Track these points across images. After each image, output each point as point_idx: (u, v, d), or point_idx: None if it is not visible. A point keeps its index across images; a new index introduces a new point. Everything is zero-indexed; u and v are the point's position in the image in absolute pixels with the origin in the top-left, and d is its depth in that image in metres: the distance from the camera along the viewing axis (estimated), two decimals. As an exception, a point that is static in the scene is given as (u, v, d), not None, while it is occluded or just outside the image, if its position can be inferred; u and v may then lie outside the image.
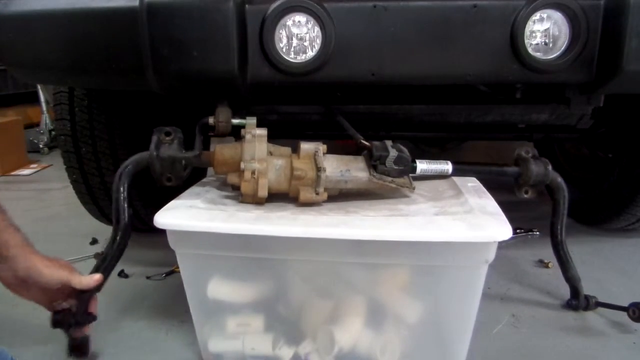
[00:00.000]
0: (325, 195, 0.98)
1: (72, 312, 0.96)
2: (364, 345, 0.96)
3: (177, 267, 1.37)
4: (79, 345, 1.00)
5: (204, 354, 1.03)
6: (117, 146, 1.48)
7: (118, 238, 1.02)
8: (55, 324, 0.96)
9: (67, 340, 0.99)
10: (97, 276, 0.97)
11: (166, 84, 1.00)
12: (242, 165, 0.95)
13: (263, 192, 0.95)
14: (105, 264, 1.02)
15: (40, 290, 0.93)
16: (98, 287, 0.98)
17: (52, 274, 0.91)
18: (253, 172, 0.94)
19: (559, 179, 1.10)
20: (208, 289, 0.96)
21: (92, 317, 0.99)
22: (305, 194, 0.97)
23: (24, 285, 0.91)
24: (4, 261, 0.87)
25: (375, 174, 1.00)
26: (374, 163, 1.01)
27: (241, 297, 0.97)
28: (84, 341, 1.00)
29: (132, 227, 1.03)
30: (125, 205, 1.01)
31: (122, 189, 1.00)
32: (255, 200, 0.97)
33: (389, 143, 1.05)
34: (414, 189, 1.04)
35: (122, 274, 1.44)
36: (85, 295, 0.97)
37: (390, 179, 1.01)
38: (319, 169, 0.96)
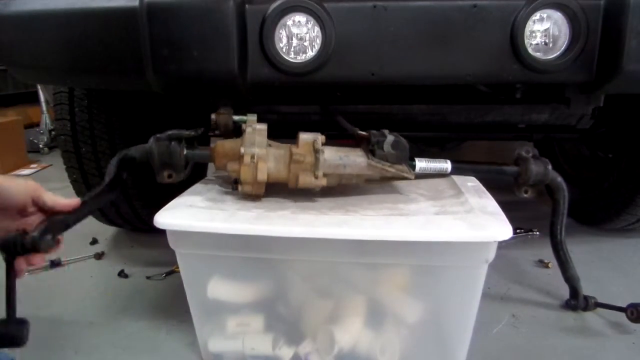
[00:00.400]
0: (324, 181, 0.97)
1: (27, 234, 0.73)
2: (364, 345, 0.96)
3: (177, 267, 1.37)
4: (12, 334, 0.71)
5: (204, 354, 1.03)
6: (117, 146, 1.48)
7: (104, 185, 0.97)
8: (3, 247, 0.72)
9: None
10: (75, 200, 0.83)
11: (166, 84, 1.00)
12: (242, 150, 0.94)
13: (262, 176, 0.94)
14: (87, 198, 0.88)
15: (2, 210, 0.77)
16: (74, 217, 0.83)
17: (19, 185, 0.77)
18: (252, 157, 0.94)
19: (559, 179, 1.10)
20: (208, 289, 0.96)
21: (56, 243, 0.77)
22: (305, 178, 0.96)
23: None
24: None
25: (373, 158, 1.00)
26: (372, 148, 1.00)
27: (241, 297, 0.97)
28: (20, 327, 0.72)
29: (120, 184, 1.00)
30: (116, 169, 1.00)
31: (117, 160, 1.01)
32: (255, 190, 0.97)
33: (386, 131, 1.05)
34: (413, 176, 1.03)
35: (122, 274, 1.44)
36: (55, 220, 0.78)
37: (388, 164, 1.00)
38: (317, 151, 0.96)
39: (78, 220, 0.84)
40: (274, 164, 0.97)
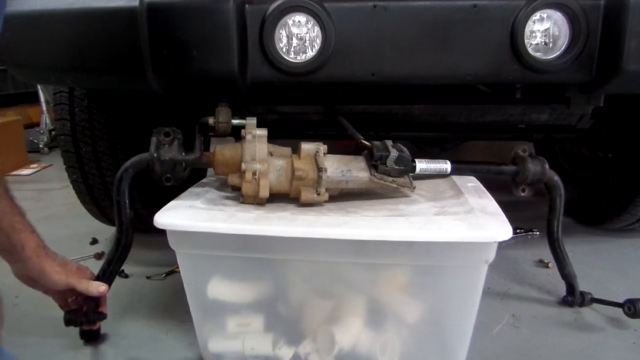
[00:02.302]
0: (326, 196, 0.98)
1: (82, 312, 1.03)
2: (364, 345, 0.96)
3: (177, 267, 1.37)
4: (90, 334, 1.11)
5: (204, 354, 1.03)
6: (117, 146, 1.48)
7: (122, 241, 1.05)
8: (68, 322, 1.03)
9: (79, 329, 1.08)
10: (103, 288, 1.02)
11: (166, 84, 1.00)
12: (243, 166, 0.95)
13: (264, 193, 0.95)
14: (110, 267, 1.07)
15: (50, 290, 0.99)
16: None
17: (60, 279, 0.96)
18: (254, 173, 0.94)
19: (556, 177, 1.10)
20: (208, 289, 0.96)
21: (102, 316, 1.07)
22: (307, 195, 0.97)
23: (36, 284, 0.97)
24: (18, 261, 0.92)
25: (376, 173, 1.00)
26: (375, 163, 1.01)
27: (241, 297, 0.97)
28: (93, 333, 1.11)
29: (134, 230, 1.05)
30: (127, 208, 1.02)
31: (123, 192, 1.00)
32: (257, 201, 0.98)
33: (389, 143, 1.05)
34: (414, 188, 1.04)
35: (122, 274, 1.44)
36: (93, 298, 1.03)
37: (391, 178, 1.01)
38: (320, 169, 0.96)
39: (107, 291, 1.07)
40: (275, 177, 0.98)
